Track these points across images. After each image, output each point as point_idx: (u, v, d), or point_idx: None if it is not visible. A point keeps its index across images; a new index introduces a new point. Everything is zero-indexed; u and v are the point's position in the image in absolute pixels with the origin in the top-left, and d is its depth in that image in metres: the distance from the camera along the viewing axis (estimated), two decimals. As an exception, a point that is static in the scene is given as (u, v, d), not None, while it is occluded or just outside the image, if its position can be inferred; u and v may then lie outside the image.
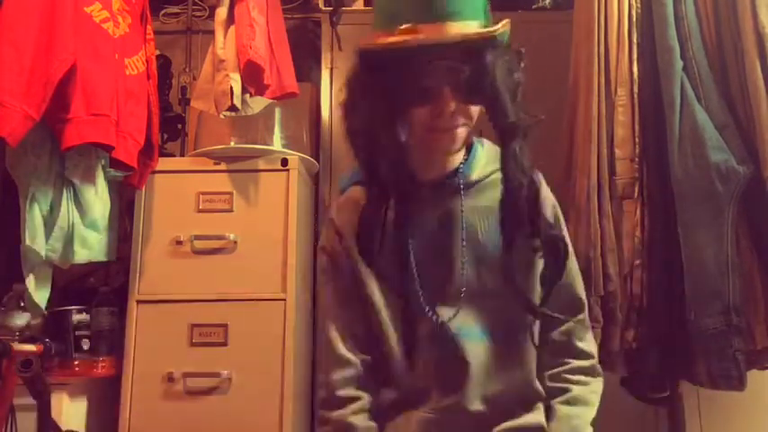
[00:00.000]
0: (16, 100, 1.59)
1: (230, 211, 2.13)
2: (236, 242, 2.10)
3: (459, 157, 1.21)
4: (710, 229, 1.54)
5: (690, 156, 1.57)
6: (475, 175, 1.21)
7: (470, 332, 1.17)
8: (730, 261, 1.52)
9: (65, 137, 1.70)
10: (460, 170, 1.21)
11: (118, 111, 1.80)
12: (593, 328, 1.61)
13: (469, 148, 1.23)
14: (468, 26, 1.06)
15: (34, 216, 1.82)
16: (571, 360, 1.22)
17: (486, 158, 1.23)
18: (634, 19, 1.74)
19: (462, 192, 1.19)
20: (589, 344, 1.24)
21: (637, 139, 1.70)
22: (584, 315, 1.25)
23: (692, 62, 1.63)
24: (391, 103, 1.09)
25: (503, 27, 1.08)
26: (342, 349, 1.20)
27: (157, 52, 2.17)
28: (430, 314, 1.16)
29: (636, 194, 1.68)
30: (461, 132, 1.13)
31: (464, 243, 1.17)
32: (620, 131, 1.71)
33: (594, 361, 1.23)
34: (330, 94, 2.58)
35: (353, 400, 1.19)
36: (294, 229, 2.11)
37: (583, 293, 1.25)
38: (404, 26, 1.06)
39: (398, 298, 1.18)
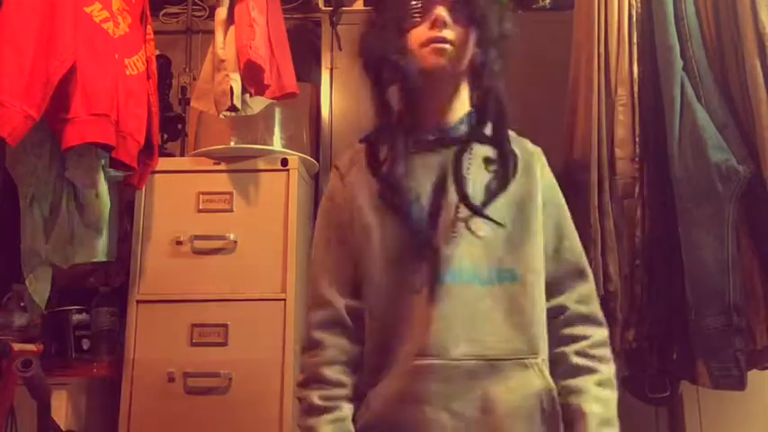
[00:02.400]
0: (16, 100, 1.59)
1: (230, 211, 2.13)
2: (236, 242, 2.10)
3: (463, 110, 1.26)
4: (711, 229, 1.54)
5: (690, 155, 1.57)
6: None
7: (464, 275, 1.16)
8: (730, 261, 1.52)
9: (65, 137, 1.70)
10: (464, 120, 1.25)
11: (118, 111, 1.80)
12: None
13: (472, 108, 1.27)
14: None
15: (34, 216, 1.82)
16: (592, 331, 1.21)
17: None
18: (634, 19, 1.74)
19: (465, 141, 1.23)
20: (599, 310, 1.25)
21: (637, 139, 1.70)
22: (592, 281, 1.25)
23: (692, 62, 1.63)
24: (395, 28, 1.20)
25: None
26: (323, 289, 1.22)
27: (157, 52, 2.17)
28: (436, 260, 1.15)
29: (636, 194, 1.68)
30: (449, 49, 1.19)
31: (468, 192, 1.19)
32: (620, 131, 1.71)
33: (606, 330, 1.23)
34: (330, 94, 2.58)
35: (328, 346, 1.18)
36: (294, 229, 2.11)
37: (584, 256, 1.26)
38: None
39: (400, 246, 1.18)
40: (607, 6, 1.75)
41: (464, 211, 1.18)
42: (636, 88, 1.72)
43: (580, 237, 1.32)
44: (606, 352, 1.20)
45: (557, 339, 1.20)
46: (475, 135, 1.23)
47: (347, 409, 1.17)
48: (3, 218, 1.95)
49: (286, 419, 1.97)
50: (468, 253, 1.17)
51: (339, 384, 1.17)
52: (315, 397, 1.15)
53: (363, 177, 1.24)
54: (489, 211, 1.18)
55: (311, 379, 1.17)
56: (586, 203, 1.70)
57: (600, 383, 1.16)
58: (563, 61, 1.93)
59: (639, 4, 1.74)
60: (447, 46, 1.18)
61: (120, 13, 1.93)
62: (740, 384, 1.53)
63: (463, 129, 1.24)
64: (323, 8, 2.59)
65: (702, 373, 1.58)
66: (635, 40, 1.73)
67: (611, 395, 1.17)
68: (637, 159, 1.69)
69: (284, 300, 2.05)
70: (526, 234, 1.20)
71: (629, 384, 1.79)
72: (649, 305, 1.65)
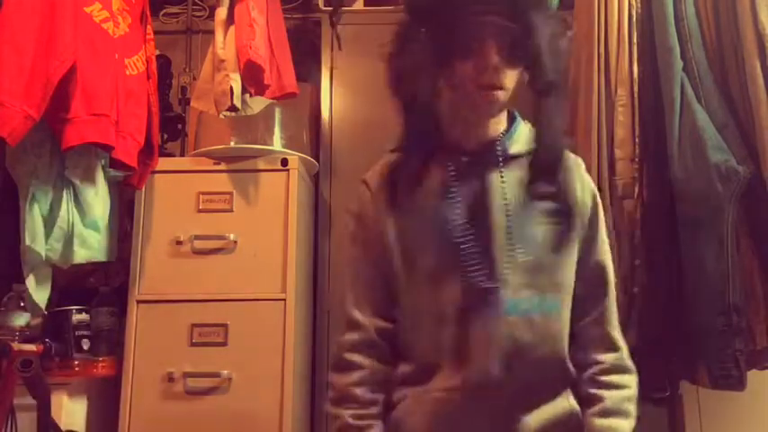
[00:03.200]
0: (16, 100, 1.59)
1: (230, 211, 2.13)
2: (236, 242, 2.10)
3: (499, 128, 1.20)
4: (710, 229, 1.54)
5: (690, 156, 1.57)
6: (514, 149, 1.19)
7: (509, 306, 1.12)
8: (730, 261, 1.52)
9: (65, 137, 1.70)
10: (500, 141, 1.18)
11: (118, 111, 1.80)
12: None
13: (511, 121, 1.22)
14: None
15: (34, 216, 1.82)
16: (604, 356, 1.18)
17: (528, 135, 1.21)
18: (634, 19, 1.74)
19: (501, 163, 1.17)
20: (618, 331, 1.21)
21: (637, 140, 1.70)
22: (614, 298, 1.21)
23: (692, 62, 1.63)
24: (436, 54, 1.09)
25: None
26: (353, 311, 1.19)
27: (157, 52, 2.17)
28: (479, 285, 1.11)
29: (636, 194, 1.68)
30: (501, 95, 1.11)
31: (508, 215, 1.14)
32: (620, 131, 1.71)
33: (625, 351, 1.20)
34: (330, 94, 2.58)
35: (359, 367, 1.17)
36: (294, 229, 2.11)
37: (612, 276, 1.21)
38: None
39: (437, 268, 1.14)
40: (607, 6, 1.75)
41: (505, 237, 1.13)
42: (636, 88, 1.72)
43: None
44: (614, 379, 1.18)
45: (575, 361, 1.19)
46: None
47: (378, 427, 1.17)
48: (3, 218, 1.95)
49: (286, 419, 1.97)
50: (510, 282, 1.13)
51: (371, 404, 1.17)
52: (348, 416, 1.16)
53: (394, 195, 1.18)
54: (530, 232, 1.14)
55: (344, 399, 1.18)
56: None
57: (602, 414, 1.15)
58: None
59: (639, 5, 1.74)
60: (492, 93, 1.10)
61: (120, 13, 1.93)
62: (740, 384, 1.53)
63: (502, 145, 1.18)
64: (323, 8, 2.59)
65: (702, 373, 1.59)
66: (635, 41, 1.73)
67: (617, 423, 1.15)
68: (636, 160, 1.69)
69: (284, 300, 2.05)
70: (564, 255, 1.16)
71: (629, 384, 1.79)
72: (649, 305, 1.64)
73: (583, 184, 1.20)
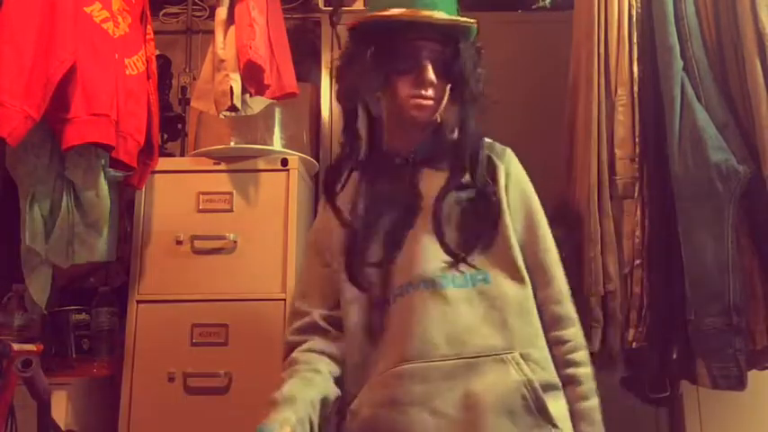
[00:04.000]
0: (16, 100, 1.59)
1: (230, 211, 2.13)
2: (236, 242, 2.10)
3: (424, 136, 1.35)
4: (710, 229, 1.54)
5: (690, 155, 1.57)
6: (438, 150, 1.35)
7: (438, 282, 1.22)
8: (730, 261, 1.52)
9: (65, 137, 1.70)
10: (424, 145, 1.34)
11: (118, 111, 1.80)
12: (592, 327, 1.62)
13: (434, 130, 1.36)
14: (441, 15, 1.27)
15: (34, 216, 1.82)
16: (566, 332, 1.25)
17: (449, 139, 1.36)
18: (634, 19, 1.74)
19: (421, 165, 1.32)
20: (572, 305, 1.29)
21: (637, 139, 1.70)
22: (561, 278, 1.30)
23: (693, 62, 1.63)
24: (379, 71, 1.29)
25: (474, 22, 1.31)
26: (298, 303, 1.35)
27: (157, 52, 2.17)
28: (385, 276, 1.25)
29: (636, 194, 1.68)
30: (434, 104, 1.30)
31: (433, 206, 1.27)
32: (620, 131, 1.71)
33: (579, 324, 1.28)
34: (330, 94, 2.58)
35: (301, 343, 1.30)
36: (294, 229, 2.10)
37: (554, 265, 1.30)
38: (394, 10, 1.26)
39: (357, 259, 1.27)
40: (607, 6, 1.75)
41: (432, 224, 1.25)
42: (636, 88, 1.72)
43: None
44: (582, 355, 1.25)
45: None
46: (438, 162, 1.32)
47: (325, 364, 1.27)
48: (3, 218, 1.95)
49: (286, 419, 1.97)
50: (440, 260, 1.23)
51: (307, 362, 1.27)
52: (287, 375, 1.26)
53: (333, 195, 1.34)
54: (456, 211, 1.27)
55: (288, 363, 1.28)
56: (587, 204, 1.70)
57: (583, 396, 1.22)
58: (563, 61, 1.93)
59: (639, 4, 1.74)
60: (430, 102, 1.29)
61: (120, 13, 1.92)
62: (740, 384, 1.53)
63: (423, 152, 1.33)
64: (323, 8, 2.59)
65: (702, 373, 1.59)
66: (635, 40, 1.73)
67: (596, 401, 1.23)
68: (637, 159, 1.69)
69: (284, 300, 2.05)
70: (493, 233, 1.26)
71: (629, 384, 1.79)
72: (649, 305, 1.64)
73: (509, 168, 1.34)
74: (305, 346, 1.29)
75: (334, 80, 1.36)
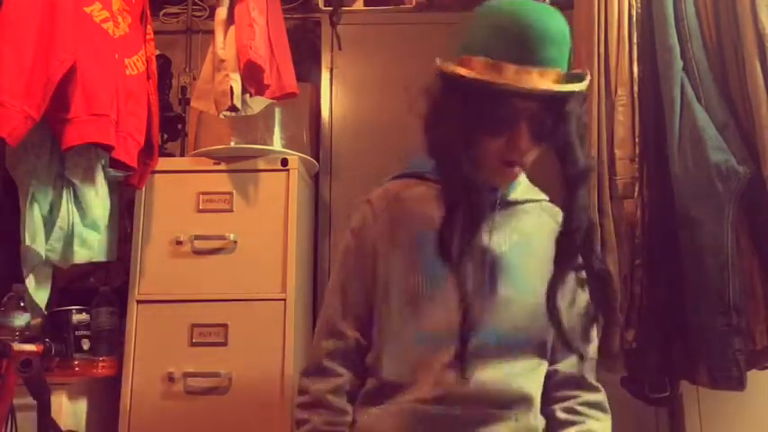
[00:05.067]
0: (16, 100, 1.59)
1: (230, 211, 2.13)
2: (236, 242, 2.10)
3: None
4: (710, 229, 1.54)
5: (690, 155, 1.57)
6: (512, 197, 1.26)
7: (483, 348, 1.16)
8: (730, 261, 1.52)
9: (65, 137, 1.70)
10: (501, 190, 1.24)
11: (118, 111, 1.80)
12: (592, 327, 1.61)
13: None
14: (554, 74, 1.08)
15: (34, 216, 1.82)
16: (581, 393, 1.23)
17: (525, 185, 1.29)
18: (634, 19, 1.74)
19: (498, 207, 1.23)
20: (595, 380, 1.26)
21: (637, 139, 1.70)
22: (595, 352, 1.26)
23: (692, 62, 1.63)
24: (471, 129, 1.12)
25: (586, 83, 1.11)
26: (338, 319, 1.24)
27: (157, 52, 2.17)
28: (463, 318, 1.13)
29: (636, 194, 1.68)
30: (521, 171, 1.20)
31: (496, 254, 1.20)
32: (620, 131, 1.71)
33: (604, 395, 1.25)
34: (330, 94, 2.58)
35: (336, 375, 1.22)
36: (294, 230, 2.11)
37: (595, 331, 1.24)
38: (498, 62, 1.07)
39: (422, 294, 1.18)
40: (607, 6, 1.75)
41: (495, 272, 1.18)
42: (636, 88, 1.72)
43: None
44: (596, 413, 1.22)
45: (547, 399, 1.23)
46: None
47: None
48: (3, 218, 1.95)
49: (285, 419, 1.97)
50: (491, 317, 1.17)
51: (343, 412, 1.21)
52: (319, 422, 1.19)
53: (396, 220, 1.24)
54: (518, 268, 1.20)
55: (317, 404, 1.21)
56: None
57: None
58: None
59: (639, 5, 1.74)
60: (517, 171, 1.18)
61: (120, 13, 1.93)
62: (740, 384, 1.53)
63: (502, 193, 1.24)
64: (323, 8, 2.60)
65: (702, 373, 1.58)
66: (635, 40, 1.73)
67: None
68: (637, 159, 1.69)
69: (284, 300, 2.05)
70: (541, 300, 1.18)
71: (629, 384, 1.79)
72: (649, 305, 1.64)
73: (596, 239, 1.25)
74: (338, 387, 1.23)
75: (423, 126, 1.17)
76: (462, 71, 1.09)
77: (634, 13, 1.74)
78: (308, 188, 2.36)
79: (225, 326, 2.04)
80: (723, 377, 1.54)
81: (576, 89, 1.09)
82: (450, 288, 1.13)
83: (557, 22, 1.11)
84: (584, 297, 1.19)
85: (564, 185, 1.15)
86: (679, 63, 1.62)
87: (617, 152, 1.70)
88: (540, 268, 1.18)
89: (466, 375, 1.13)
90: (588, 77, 1.12)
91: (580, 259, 1.17)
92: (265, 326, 2.03)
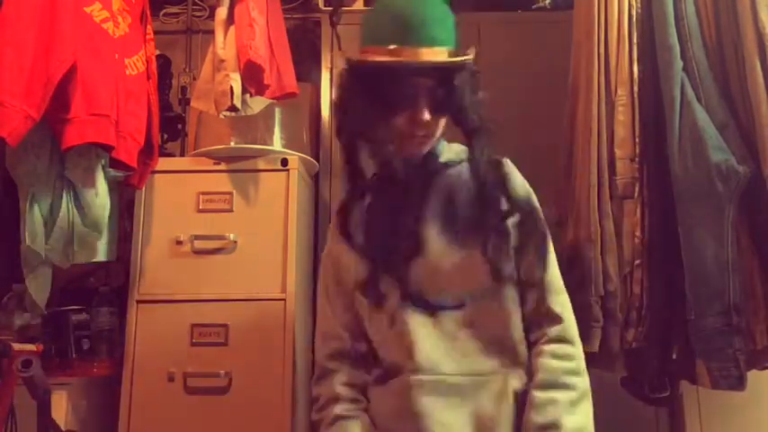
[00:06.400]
0: (16, 100, 1.59)
1: (230, 211, 2.13)
2: (236, 242, 2.10)
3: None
4: (710, 229, 1.54)
5: (690, 155, 1.57)
6: (442, 159, 1.40)
7: (442, 301, 1.28)
8: (730, 261, 1.52)
9: (65, 137, 1.70)
10: (431, 155, 1.38)
11: (118, 111, 1.80)
12: (592, 327, 1.62)
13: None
14: (441, 52, 1.27)
15: (34, 216, 1.82)
16: (548, 329, 1.30)
17: (449, 150, 1.42)
18: (634, 19, 1.74)
19: (435, 171, 1.37)
20: (560, 306, 1.32)
21: (637, 139, 1.70)
22: (549, 278, 1.33)
23: (692, 62, 1.63)
24: (376, 109, 1.29)
25: (470, 55, 1.30)
26: (333, 324, 1.37)
27: (157, 52, 2.17)
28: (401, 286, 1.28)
29: (636, 194, 1.68)
30: (431, 140, 1.34)
31: (434, 215, 1.32)
32: (620, 131, 1.71)
33: (565, 324, 1.31)
34: (330, 95, 2.58)
35: (341, 372, 1.34)
36: (294, 229, 2.11)
37: (549, 267, 1.34)
38: (390, 47, 1.26)
39: (372, 269, 1.30)
40: (607, 6, 1.75)
41: (436, 241, 1.29)
42: (636, 88, 1.72)
43: (580, 237, 1.32)
44: (555, 347, 1.29)
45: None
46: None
47: (365, 418, 1.31)
48: (3, 218, 1.95)
49: (286, 419, 1.97)
50: (442, 279, 1.28)
51: (356, 401, 1.32)
52: (339, 410, 1.30)
53: (348, 228, 1.37)
54: (454, 231, 1.30)
55: (332, 401, 1.32)
56: (587, 204, 1.70)
57: (541, 386, 1.26)
58: (563, 61, 1.92)
59: (639, 4, 1.74)
60: (424, 140, 1.33)
61: (120, 13, 1.92)
62: (740, 384, 1.53)
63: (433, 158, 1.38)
64: (323, 8, 2.59)
65: (702, 373, 1.58)
66: (635, 40, 1.73)
67: (555, 395, 1.25)
68: (637, 159, 1.69)
69: (284, 300, 2.05)
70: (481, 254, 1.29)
71: (629, 384, 1.79)
72: (649, 305, 1.64)
73: (516, 184, 1.37)
74: (346, 381, 1.34)
75: (333, 112, 1.37)
76: (361, 57, 1.29)
77: (634, 12, 1.74)
78: (308, 188, 2.36)
79: (225, 326, 2.04)
80: (723, 377, 1.54)
81: (461, 60, 1.28)
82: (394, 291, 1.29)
83: (438, 6, 1.30)
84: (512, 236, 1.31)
85: (466, 143, 1.35)
86: (679, 63, 1.62)
87: (617, 152, 1.70)
88: (474, 224, 1.30)
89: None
90: (474, 51, 1.30)
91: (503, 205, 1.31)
92: (265, 326, 2.03)
